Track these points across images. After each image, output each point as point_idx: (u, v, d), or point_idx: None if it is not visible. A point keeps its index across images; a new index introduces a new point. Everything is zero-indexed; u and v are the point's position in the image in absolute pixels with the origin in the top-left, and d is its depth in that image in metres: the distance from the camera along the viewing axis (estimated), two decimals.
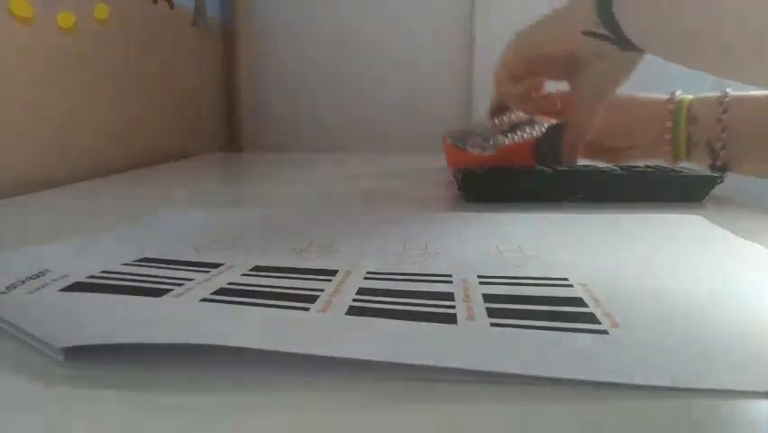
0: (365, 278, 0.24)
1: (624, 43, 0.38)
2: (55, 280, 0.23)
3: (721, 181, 0.43)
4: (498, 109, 0.58)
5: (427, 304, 0.21)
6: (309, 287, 0.23)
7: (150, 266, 0.25)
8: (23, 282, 0.22)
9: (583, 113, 0.47)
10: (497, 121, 0.56)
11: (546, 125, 0.52)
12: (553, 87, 0.52)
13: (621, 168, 0.46)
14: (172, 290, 0.22)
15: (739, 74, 0.31)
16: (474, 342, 0.18)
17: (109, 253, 0.28)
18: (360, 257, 0.28)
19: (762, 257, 0.28)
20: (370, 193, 0.51)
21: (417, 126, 1.06)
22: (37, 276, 0.23)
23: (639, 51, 0.40)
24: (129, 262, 0.26)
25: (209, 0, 0.95)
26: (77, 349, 0.17)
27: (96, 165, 0.64)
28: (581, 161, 0.53)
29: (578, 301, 0.21)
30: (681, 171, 0.45)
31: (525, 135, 0.53)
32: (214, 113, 1.01)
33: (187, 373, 0.16)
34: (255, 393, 0.15)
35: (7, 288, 0.22)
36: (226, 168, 0.79)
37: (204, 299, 0.21)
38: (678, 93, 0.51)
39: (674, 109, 0.50)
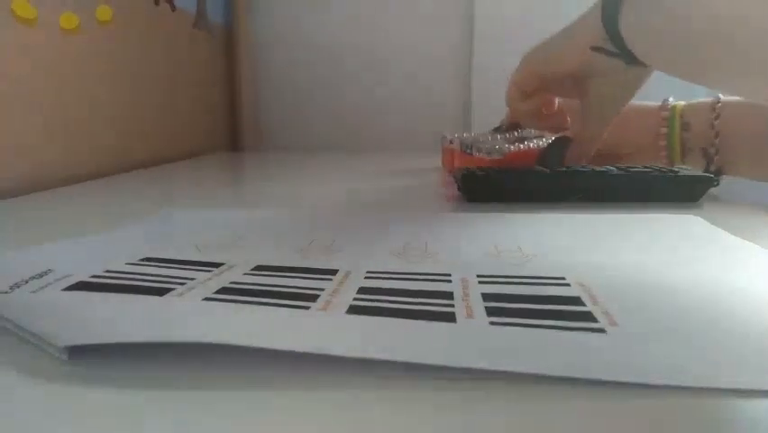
0: (365, 277, 0.24)
1: (630, 59, 0.38)
2: (58, 279, 0.23)
3: (718, 183, 0.44)
4: (511, 126, 0.58)
5: (427, 303, 0.21)
6: (310, 286, 0.23)
7: (153, 265, 0.26)
8: (27, 282, 0.23)
9: (592, 129, 0.47)
10: (507, 135, 0.57)
11: (553, 137, 0.53)
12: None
13: (619, 168, 0.46)
14: (175, 289, 0.22)
15: (743, 91, 0.31)
16: (473, 340, 0.18)
17: (112, 252, 0.28)
18: (360, 256, 0.28)
19: (759, 256, 0.28)
20: (370, 193, 0.51)
21: (417, 126, 1.06)
22: (40, 276, 0.23)
23: (646, 67, 0.40)
24: (131, 262, 0.26)
25: (211, 2, 0.95)
26: (80, 348, 0.17)
27: (97, 165, 0.64)
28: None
29: (576, 300, 0.21)
30: (678, 172, 0.45)
31: (531, 145, 0.54)
32: (215, 113, 1.01)
33: (189, 371, 0.16)
34: (256, 392, 0.15)
35: (11, 287, 0.22)
36: (227, 168, 0.80)
37: (206, 298, 0.21)
38: (671, 99, 0.52)
39: (668, 116, 0.51)
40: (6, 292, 0.21)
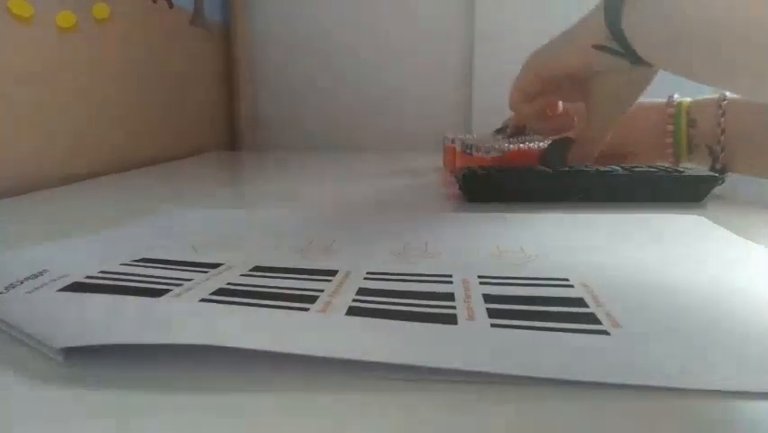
0: (365, 278, 0.24)
1: (634, 58, 0.38)
2: (54, 280, 0.23)
3: (722, 182, 0.43)
4: (516, 131, 0.58)
5: (427, 304, 0.21)
6: (309, 287, 0.23)
7: (149, 266, 0.25)
8: (22, 282, 0.22)
9: (596, 130, 0.47)
10: (511, 140, 0.57)
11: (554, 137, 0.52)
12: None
13: (621, 168, 0.46)
14: (171, 290, 0.22)
15: (747, 91, 0.31)
16: (474, 342, 0.18)
17: (108, 252, 0.27)
18: (359, 257, 0.28)
19: (762, 256, 0.28)
20: (370, 193, 0.51)
21: (417, 126, 1.06)
22: (35, 276, 0.23)
23: (651, 67, 0.40)
24: (128, 262, 0.26)
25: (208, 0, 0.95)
26: (76, 349, 0.17)
27: (95, 165, 0.64)
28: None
29: (579, 302, 0.21)
30: (681, 171, 0.45)
31: (531, 145, 0.54)
32: (214, 112, 1.01)
33: (186, 373, 0.16)
34: (255, 394, 0.15)
35: (6, 288, 0.22)
36: (225, 167, 0.79)
37: (203, 300, 0.21)
38: (676, 96, 0.51)
39: (674, 113, 0.51)
40: (2, 293, 0.21)
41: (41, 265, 0.25)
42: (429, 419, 0.14)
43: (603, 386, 0.15)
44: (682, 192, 0.43)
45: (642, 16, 0.35)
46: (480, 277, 0.24)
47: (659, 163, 0.51)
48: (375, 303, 0.21)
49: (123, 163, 0.69)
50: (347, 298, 0.21)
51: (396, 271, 0.25)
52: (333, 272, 0.25)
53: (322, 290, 0.22)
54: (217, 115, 1.02)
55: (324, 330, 0.18)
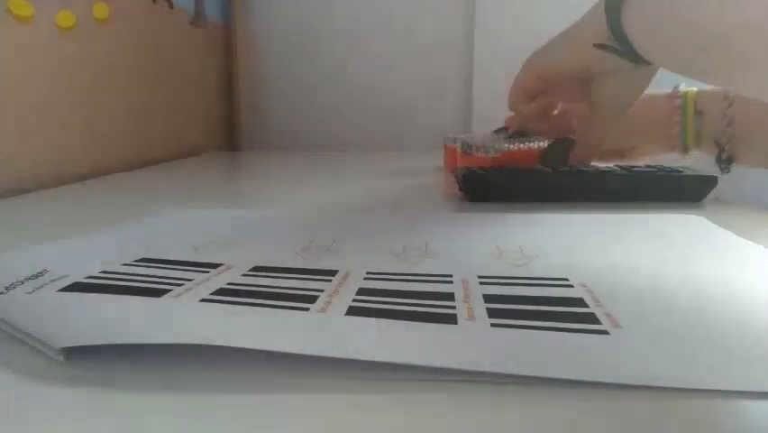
0: (365, 278, 0.24)
1: (634, 56, 0.38)
2: (54, 280, 0.23)
3: (728, 171, 0.43)
4: (517, 131, 0.58)
5: (427, 304, 0.21)
6: (309, 287, 0.23)
7: (150, 266, 0.25)
8: (22, 283, 0.22)
9: (598, 130, 0.46)
10: (511, 140, 0.56)
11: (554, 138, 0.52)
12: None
13: (621, 168, 0.46)
14: (172, 290, 0.22)
15: (759, 90, 0.31)
16: (474, 342, 0.18)
17: (108, 253, 0.27)
18: (359, 257, 0.28)
19: (762, 256, 0.28)
20: (369, 193, 0.51)
21: (417, 126, 1.06)
22: (36, 276, 0.23)
23: (651, 65, 0.39)
24: (128, 263, 0.26)
25: (209, 0, 0.95)
26: (76, 349, 0.17)
27: (95, 165, 0.64)
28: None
29: (578, 302, 0.21)
30: (680, 171, 0.45)
31: (531, 144, 0.54)
32: (214, 112, 1.01)
33: (186, 373, 0.16)
34: (255, 394, 0.15)
35: (6, 288, 0.22)
36: (226, 167, 0.79)
37: (203, 300, 0.21)
38: (681, 86, 0.51)
39: (681, 104, 0.50)
40: (2, 293, 0.21)
41: (41, 265, 0.25)
42: (429, 418, 0.14)
43: (603, 386, 0.15)
44: (682, 192, 0.43)
45: (642, 16, 0.35)
46: (479, 277, 0.24)
47: (664, 156, 0.51)
48: (375, 303, 0.21)
49: (124, 163, 0.69)
50: (347, 298, 0.21)
51: (396, 271, 0.25)
52: (333, 272, 0.25)
53: (322, 290, 0.22)
54: (217, 115, 1.02)
55: (324, 330, 0.18)
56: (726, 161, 0.47)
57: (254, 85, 1.08)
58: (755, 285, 0.24)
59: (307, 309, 0.20)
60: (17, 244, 0.29)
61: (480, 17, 1.03)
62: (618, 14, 0.37)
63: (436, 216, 0.39)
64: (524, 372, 0.16)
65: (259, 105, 1.08)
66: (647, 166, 0.47)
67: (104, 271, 0.24)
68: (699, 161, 0.50)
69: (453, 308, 0.20)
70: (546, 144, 0.53)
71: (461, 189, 0.46)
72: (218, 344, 0.16)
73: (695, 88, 0.51)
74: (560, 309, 0.20)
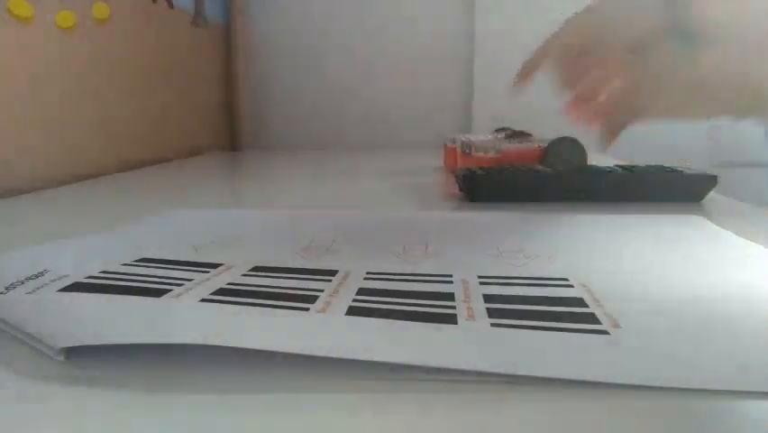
0: (365, 278, 0.24)
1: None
2: (54, 280, 0.23)
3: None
4: (518, 133, 0.56)
5: (427, 304, 0.21)
6: (309, 287, 0.23)
7: (150, 266, 0.25)
8: (23, 283, 0.22)
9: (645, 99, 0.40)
10: (511, 140, 0.56)
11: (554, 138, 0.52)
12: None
13: (621, 168, 0.46)
14: (172, 290, 0.22)
15: None
16: (474, 342, 0.18)
17: (108, 253, 0.27)
18: (360, 257, 0.28)
19: (761, 257, 0.28)
20: (369, 193, 0.51)
21: (417, 126, 1.06)
22: (36, 276, 0.23)
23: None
24: (128, 263, 0.26)
25: (209, 0, 0.95)
26: (76, 349, 0.17)
27: (95, 165, 0.64)
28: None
29: (578, 302, 0.21)
30: (681, 171, 0.45)
31: (530, 144, 0.54)
32: (214, 112, 1.01)
33: (186, 373, 0.16)
34: (255, 393, 0.15)
35: (6, 288, 0.22)
36: (226, 167, 0.79)
37: (203, 300, 0.21)
38: None
39: None
40: (2, 293, 0.21)
41: (41, 265, 0.25)
42: (429, 418, 0.14)
43: (602, 386, 0.15)
44: (682, 192, 0.43)
45: None
46: (480, 277, 0.24)
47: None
48: (375, 303, 0.21)
49: (124, 163, 0.69)
50: (347, 298, 0.21)
51: (396, 271, 0.25)
52: (333, 272, 0.25)
53: (322, 290, 0.22)
54: (217, 115, 1.02)
55: (324, 330, 0.18)
56: None
57: (254, 85, 1.08)
58: (755, 285, 0.23)
59: (307, 309, 0.20)
60: (17, 244, 0.29)
61: (480, 17, 1.03)
62: None
63: (436, 216, 0.39)
64: (524, 372, 0.16)
65: (259, 106, 1.09)
66: (647, 166, 0.47)
67: (104, 271, 0.24)
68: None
69: (453, 308, 0.20)
70: (546, 144, 0.53)
71: (461, 189, 0.46)
72: (218, 344, 0.16)
73: None
74: (560, 309, 0.20)
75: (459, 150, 0.58)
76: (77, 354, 0.17)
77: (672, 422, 0.14)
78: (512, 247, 0.29)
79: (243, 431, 0.14)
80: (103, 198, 0.49)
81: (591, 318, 0.19)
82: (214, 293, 0.22)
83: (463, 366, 0.16)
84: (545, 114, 1.00)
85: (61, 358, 0.17)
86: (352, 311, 0.20)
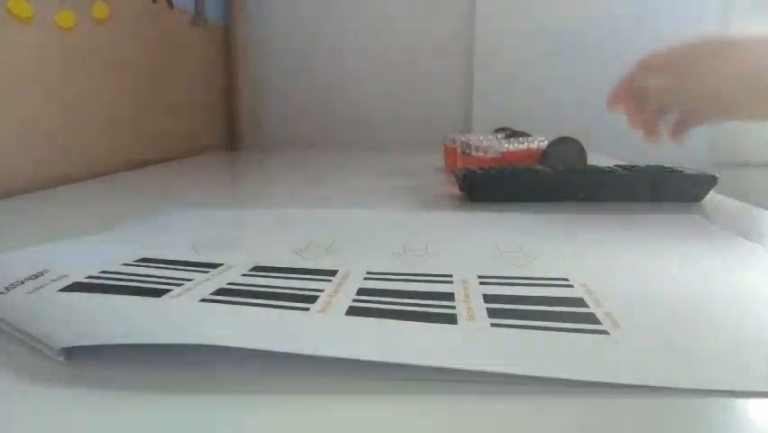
0: (365, 278, 0.24)
1: None
2: (54, 280, 0.23)
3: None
4: (518, 133, 0.57)
5: (427, 304, 0.21)
6: (309, 287, 0.23)
7: (150, 266, 0.25)
8: (23, 283, 0.22)
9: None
10: (511, 140, 0.57)
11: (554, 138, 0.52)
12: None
13: (621, 168, 0.46)
14: (172, 290, 0.22)
15: None
16: (474, 342, 0.18)
17: (108, 253, 0.27)
18: (359, 257, 0.28)
19: (761, 257, 0.28)
20: (369, 193, 0.51)
21: (417, 126, 1.06)
22: (36, 276, 0.23)
23: None
24: (128, 263, 0.26)
25: (209, 0, 0.95)
26: (76, 349, 0.17)
27: (95, 165, 0.64)
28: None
29: (578, 302, 0.21)
30: (681, 171, 0.45)
31: (532, 145, 0.54)
32: (214, 112, 1.01)
33: (186, 373, 0.16)
34: (255, 393, 0.15)
35: (6, 288, 0.22)
36: (226, 167, 0.79)
37: (203, 300, 0.21)
38: None
39: None
40: (2, 293, 0.21)
41: (41, 265, 0.25)
42: (429, 418, 0.14)
43: (603, 386, 0.15)
44: (682, 192, 0.43)
45: None
46: (479, 277, 0.24)
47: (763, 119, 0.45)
48: (375, 303, 0.21)
49: (124, 163, 0.69)
50: (347, 298, 0.21)
51: (396, 271, 0.25)
52: (333, 272, 0.25)
53: (322, 290, 0.22)
54: (217, 115, 1.02)
55: (324, 330, 0.18)
56: None
57: (254, 85, 1.08)
58: (755, 285, 0.24)
59: (307, 309, 0.20)
60: (17, 245, 0.29)
61: (480, 17, 1.03)
62: None
63: (436, 216, 0.39)
64: (524, 371, 0.16)
65: (258, 106, 1.09)
66: (647, 166, 0.47)
67: (104, 271, 0.24)
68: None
69: (453, 308, 0.20)
70: (546, 144, 0.53)
71: (461, 189, 0.46)
72: (218, 344, 0.16)
73: None
74: (560, 309, 0.20)
75: (459, 150, 0.58)
76: (77, 354, 0.17)
77: (671, 422, 0.14)
78: (512, 247, 0.29)
79: (243, 431, 0.14)
80: (103, 197, 0.49)
81: (591, 318, 0.19)
82: (215, 293, 0.22)
83: (463, 366, 0.16)
84: (545, 113, 1.00)
85: (61, 358, 0.17)
86: (352, 311, 0.20)
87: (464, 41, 1.04)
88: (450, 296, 0.22)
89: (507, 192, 0.44)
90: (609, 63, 1.00)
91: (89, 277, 0.23)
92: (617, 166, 0.47)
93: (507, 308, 0.20)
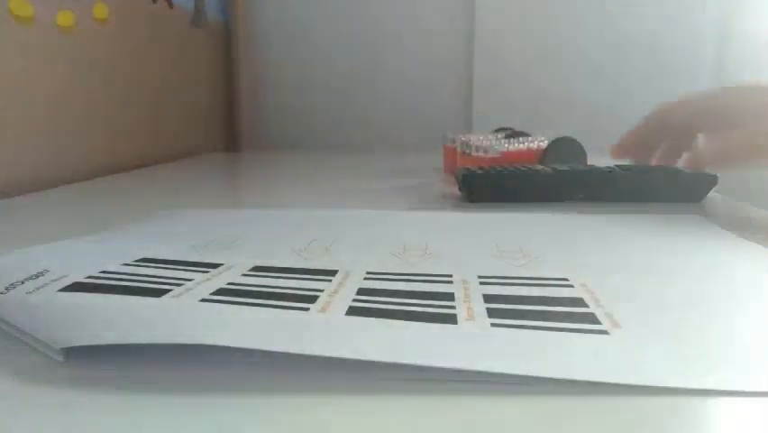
0: (365, 278, 0.24)
1: None
2: (54, 280, 0.23)
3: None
4: (517, 133, 0.57)
5: (427, 304, 0.21)
6: (309, 287, 0.23)
7: (150, 266, 0.25)
8: (23, 283, 0.22)
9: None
10: (511, 140, 0.57)
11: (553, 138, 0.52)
12: None
13: (621, 168, 0.46)
14: (172, 290, 0.22)
15: None
16: (474, 342, 0.18)
17: (108, 253, 0.27)
18: (360, 257, 0.28)
19: (761, 257, 0.28)
20: (369, 193, 0.51)
21: (417, 126, 1.06)
22: (36, 276, 0.23)
23: None
24: (128, 263, 0.26)
25: (209, 0, 0.95)
26: (76, 349, 0.17)
27: (94, 165, 0.64)
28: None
29: (578, 302, 0.21)
30: (680, 171, 0.45)
31: (532, 145, 0.54)
32: (214, 112, 1.01)
33: (186, 373, 0.16)
34: (255, 394, 0.15)
35: (6, 288, 0.22)
36: (226, 168, 0.79)
37: (203, 300, 0.21)
38: None
39: None
40: (2, 293, 0.21)
41: (41, 265, 0.24)
42: (429, 418, 0.14)
43: (603, 386, 0.15)
44: (682, 192, 0.43)
45: None
46: (479, 277, 0.24)
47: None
48: (375, 303, 0.21)
49: (124, 163, 0.69)
50: (347, 298, 0.21)
51: (396, 271, 0.25)
52: (333, 272, 0.25)
53: (322, 290, 0.22)
54: (217, 115, 1.02)
55: (324, 330, 0.18)
56: None
57: (254, 85, 1.08)
58: (755, 285, 0.24)
59: (307, 309, 0.20)
60: (17, 245, 0.29)
61: (479, 18, 1.03)
62: None
63: (436, 216, 0.39)
64: (524, 371, 0.16)
65: (259, 106, 1.08)
66: (647, 166, 0.47)
67: (104, 271, 0.24)
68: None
69: (453, 308, 0.20)
70: (546, 144, 0.53)
71: (460, 189, 0.46)
72: (218, 344, 0.16)
73: None
74: (560, 309, 0.20)
75: (459, 150, 0.58)
76: (77, 354, 0.17)
77: (671, 422, 0.14)
78: (512, 247, 0.29)
79: (243, 431, 0.14)
80: (103, 198, 0.49)
81: (591, 318, 0.19)
82: (215, 293, 0.22)
83: (463, 366, 0.16)
84: (545, 113, 1.00)
85: (61, 358, 0.17)
86: (352, 311, 0.20)
87: (464, 41, 1.04)
88: (450, 296, 0.22)
89: (507, 192, 0.44)
90: (609, 63, 1.01)
91: (89, 277, 0.23)
92: (617, 166, 0.47)
93: (507, 308, 0.20)
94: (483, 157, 0.53)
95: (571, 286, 0.23)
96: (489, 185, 0.44)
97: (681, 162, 0.48)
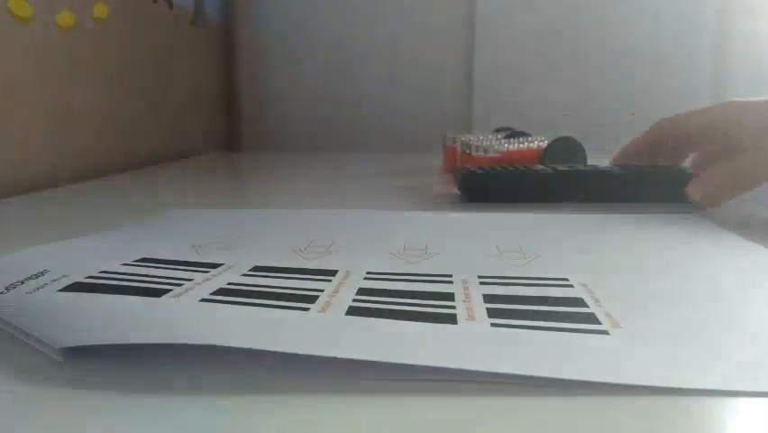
0: (365, 278, 0.24)
1: None
2: (54, 280, 0.23)
3: None
4: (517, 133, 0.57)
5: (427, 304, 0.21)
6: (309, 287, 0.23)
7: (150, 266, 0.25)
8: (22, 283, 0.22)
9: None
10: (511, 140, 0.57)
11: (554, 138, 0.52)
12: None
13: (621, 168, 0.46)
14: (172, 290, 0.22)
15: None
16: (474, 342, 0.18)
17: (108, 253, 0.27)
18: (359, 257, 0.28)
19: (762, 257, 0.28)
20: (369, 193, 0.51)
21: (417, 126, 1.06)
22: (36, 276, 0.23)
23: None
24: (128, 263, 0.26)
25: (209, 0, 0.95)
26: (76, 350, 0.17)
27: (95, 165, 0.64)
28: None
29: (578, 302, 0.21)
30: (680, 171, 0.45)
31: (532, 145, 0.54)
32: (214, 112, 1.01)
33: (186, 373, 0.16)
34: (254, 394, 0.15)
35: (6, 288, 0.22)
36: (226, 168, 0.79)
37: (203, 300, 0.21)
38: None
39: None
40: (2, 293, 0.21)
41: (41, 265, 0.25)
42: (429, 418, 0.14)
43: (603, 386, 0.15)
44: (682, 192, 0.43)
45: None
46: (479, 277, 0.24)
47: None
48: (375, 303, 0.21)
49: (124, 163, 0.69)
50: (347, 298, 0.21)
51: (396, 271, 0.25)
52: (333, 272, 0.25)
53: (322, 290, 0.22)
54: (218, 115, 1.02)
55: (324, 330, 0.18)
56: None
57: (254, 85, 1.08)
58: (755, 285, 0.24)
59: (307, 309, 0.20)
60: (17, 245, 0.29)
61: (480, 18, 1.03)
62: None
63: (436, 216, 0.39)
64: (524, 371, 0.16)
65: (259, 106, 1.08)
66: (647, 166, 0.47)
67: (104, 271, 0.24)
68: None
69: (453, 308, 0.20)
70: (546, 144, 0.53)
71: (460, 189, 0.46)
72: (218, 344, 0.16)
73: None
74: (560, 309, 0.20)
75: (459, 150, 0.58)
76: (77, 354, 0.17)
77: (671, 422, 0.14)
78: (512, 247, 0.29)
79: (243, 431, 0.14)
80: (103, 198, 0.49)
81: (591, 318, 0.19)
82: (215, 293, 0.22)
83: (463, 366, 0.16)
84: (545, 113, 1.00)
85: (61, 359, 0.17)
86: (352, 311, 0.20)
87: (464, 41, 1.04)
88: (450, 296, 0.22)
89: (506, 192, 0.44)
90: (609, 63, 1.01)
91: (89, 277, 0.23)
92: (617, 166, 0.47)
93: (507, 308, 0.20)
94: (483, 157, 0.53)
95: (571, 286, 0.23)
96: (489, 185, 0.44)
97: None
